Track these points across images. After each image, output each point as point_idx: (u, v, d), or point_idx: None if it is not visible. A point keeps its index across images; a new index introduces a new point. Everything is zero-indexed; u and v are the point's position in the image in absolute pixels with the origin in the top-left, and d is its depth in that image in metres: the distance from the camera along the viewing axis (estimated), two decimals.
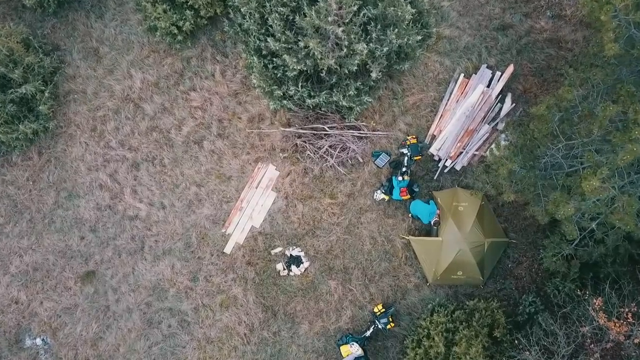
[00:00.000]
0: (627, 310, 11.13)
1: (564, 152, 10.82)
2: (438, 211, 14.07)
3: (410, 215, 14.57)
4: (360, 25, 12.14)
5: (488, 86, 14.70)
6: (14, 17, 16.03)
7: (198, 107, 15.37)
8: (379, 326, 14.14)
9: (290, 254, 14.89)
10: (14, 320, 15.36)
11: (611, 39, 9.90)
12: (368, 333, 14.23)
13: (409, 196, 14.43)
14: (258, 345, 14.79)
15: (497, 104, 14.67)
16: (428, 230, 14.41)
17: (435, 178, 14.75)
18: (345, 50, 12.03)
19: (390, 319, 14.17)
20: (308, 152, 14.91)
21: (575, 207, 10.26)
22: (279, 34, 12.23)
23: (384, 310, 14.28)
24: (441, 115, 14.84)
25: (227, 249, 15.08)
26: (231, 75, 15.35)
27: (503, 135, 14.59)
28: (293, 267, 14.82)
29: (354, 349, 14.06)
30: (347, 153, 14.79)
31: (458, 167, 14.74)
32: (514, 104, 14.67)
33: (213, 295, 14.96)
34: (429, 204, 14.17)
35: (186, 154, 15.35)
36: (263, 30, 12.70)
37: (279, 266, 14.92)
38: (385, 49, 12.44)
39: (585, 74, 11.27)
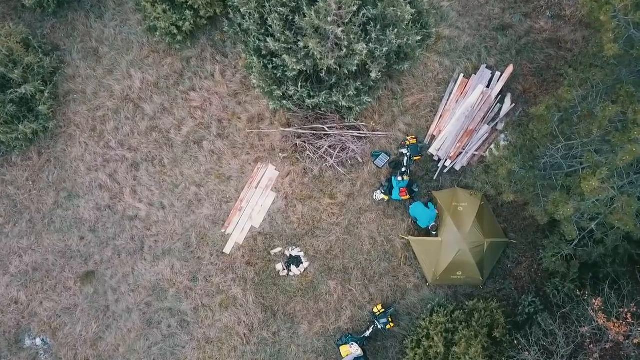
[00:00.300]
0: (626, 310, 11.13)
1: (564, 152, 10.82)
2: (437, 211, 14.07)
3: (410, 216, 14.58)
4: (360, 26, 12.14)
5: (488, 86, 14.70)
6: (13, 17, 16.03)
7: (198, 107, 15.38)
8: (379, 326, 14.14)
9: (290, 254, 14.90)
10: (13, 321, 15.36)
11: (610, 39, 9.90)
12: (367, 333, 14.23)
13: (408, 196, 14.43)
14: (258, 346, 14.79)
15: (496, 104, 14.67)
16: (428, 231, 14.41)
17: (434, 178, 14.76)
18: (344, 50, 12.04)
19: (390, 319, 14.18)
20: (308, 152, 14.92)
21: (575, 208, 10.26)
22: (279, 34, 12.23)
23: (383, 310, 14.28)
24: (441, 116, 14.84)
25: (227, 249, 15.09)
26: (231, 75, 15.36)
27: (502, 136, 14.59)
28: (293, 267, 14.82)
29: (354, 349, 14.07)
30: (347, 153, 14.80)
31: (458, 167, 14.74)
32: (513, 104, 14.67)
33: (213, 296, 14.97)
34: (428, 207, 14.15)
35: (186, 154, 15.36)
36: (263, 31, 12.71)
37: (279, 266, 14.92)
38: (384, 49, 12.44)
39: (584, 74, 11.28)
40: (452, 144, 14.62)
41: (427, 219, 14.04)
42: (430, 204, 14.26)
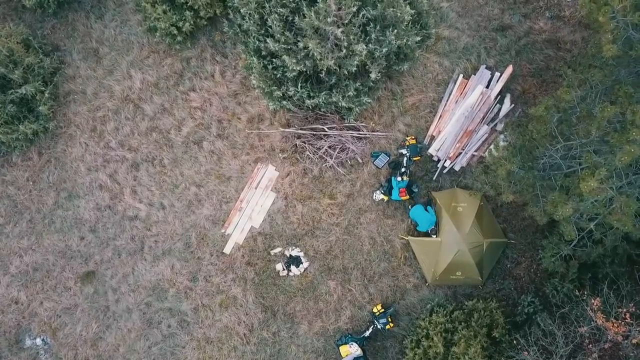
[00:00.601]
0: (625, 310, 11.16)
1: (563, 152, 10.84)
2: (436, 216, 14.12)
3: (409, 217, 14.60)
4: (360, 26, 12.16)
5: (487, 87, 14.72)
6: (14, 18, 16.05)
7: (197, 107, 15.40)
8: (378, 326, 14.17)
9: (290, 254, 14.92)
10: (14, 321, 15.38)
11: (609, 40, 9.92)
12: (367, 333, 14.26)
13: (408, 196, 14.46)
14: (257, 346, 14.82)
15: (496, 104, 14.70)
16: (427, 232, 14.42)
17: (434, 178, 14.79)
18: (344, 51, 12.06)
19: (390, 319, 14.20)
20: (307, 153, 14.94)
21: (574, 208, 10.28)
22: (279, 35, 12.25)
23: (383, 310, 14.31)
24: (440, 116, 14.87)
25: (227, 249, 15.11)
26: (231, 75, 15.39)
27: (502, 136, 14.62)
28: (292, 268, 14.85)
29: (353, 349, 14.09)
30: (347, 153, 14.83)
31: (457, 168, 14.77)
32: (512, 105, 14.70)
33: (212, 296, 14.99)
34: (428, 211, 14.17)
35: (186, 155, 15.38)
36: (262, 31, 12.73)
37: (279, 266, 14.95)
38: (384, 50, 12.46)
39: (583, 75, 11.30)
40: (452, 144, 14.64)
41: (426, 224, 14.08)
42: (430, 208, 14.26)
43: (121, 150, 15.50)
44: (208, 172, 15.29)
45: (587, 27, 14.35)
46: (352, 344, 14.12)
